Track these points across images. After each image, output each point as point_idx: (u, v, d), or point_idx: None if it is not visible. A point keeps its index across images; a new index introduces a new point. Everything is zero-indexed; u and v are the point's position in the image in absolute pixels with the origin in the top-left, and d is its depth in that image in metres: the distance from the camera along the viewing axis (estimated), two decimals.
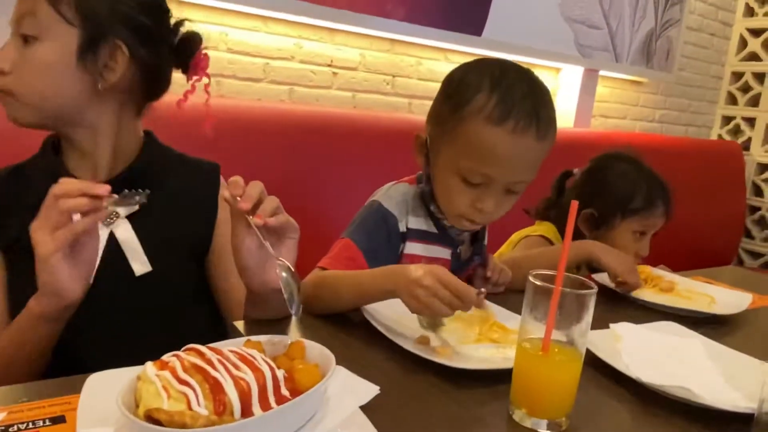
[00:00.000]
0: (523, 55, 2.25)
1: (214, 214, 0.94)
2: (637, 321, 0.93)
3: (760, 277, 1.52)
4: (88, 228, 0.69)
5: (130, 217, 0.85)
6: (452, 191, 0.94)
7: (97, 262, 0.74)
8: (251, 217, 0.71)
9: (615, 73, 2.61)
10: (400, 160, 1.36)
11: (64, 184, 0.68)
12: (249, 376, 0.51)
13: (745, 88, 3.13)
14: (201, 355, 0.52)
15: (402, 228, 0.99)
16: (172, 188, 0.89)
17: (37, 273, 0.69)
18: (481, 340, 0.83)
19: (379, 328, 0.80)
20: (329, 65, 1.92)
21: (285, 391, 0.53)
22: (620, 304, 1.12)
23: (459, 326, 0.87)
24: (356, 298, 0.85)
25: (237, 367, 0.51)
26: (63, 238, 0.67)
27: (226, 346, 0.58)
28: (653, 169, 1.45)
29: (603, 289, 1.15)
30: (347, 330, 0.85)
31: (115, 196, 0.71)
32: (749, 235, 3.12)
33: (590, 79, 2.48)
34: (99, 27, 0.79)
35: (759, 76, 3.06)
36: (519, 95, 0.88)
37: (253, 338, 0.61)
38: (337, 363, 0.60)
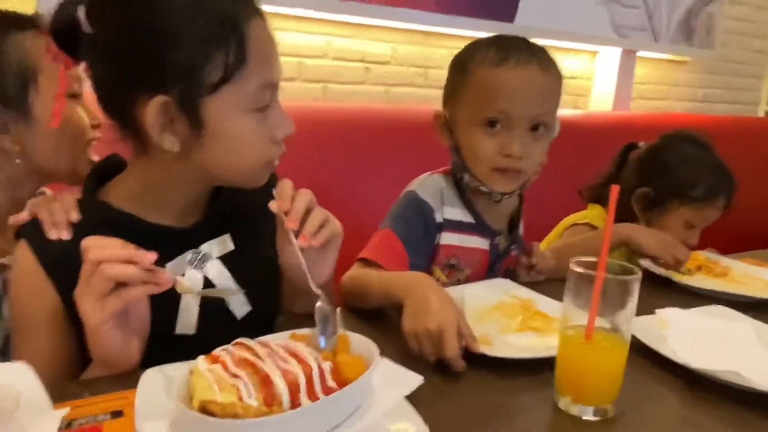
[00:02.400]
0: (558, 39, 2.21)
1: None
2: (688, 307, 0.92)
3: None
4: (141, 296, 0.63)
5: (222, 257, 0.79)
6: (478, 143, 0.94)
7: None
8: (296, 239, 0.70)
9: (654, 53, 2.54)
10: (436, 152, 1.36)
11: (103, 249, 0.61)
12: (296, 368, 0.52)
13: None
14: (249, 349, 0.54)
15: (438, 218, 1.00)
16: (252, 216, 0.81)
17: (88, 344, 0.64)
18: (522, 329, 0.83)
19: None
20: (361, 61, 1.93)
21: (331, 383, 0.55)
22: (671, 291, 1.09)
23: (500, 315, 0.87)
24: (383, 300, 0.87)
25: (284, 360, 0.53)
26: (113, 307, 0.61)
27: (272, 339, 0.60)
28: (722, 158, 1.37)
29: (653, 276, 1.14)
30: (388, 322, 0.86)
31: (180, 277, 0.65)
32: None
33: (628, 60, 2.42)
34: None
35: None
36: (515, 42, 0.96)
37: (299, 332, 0.63)
38: (381, 354, 0.61)
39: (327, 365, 0.56)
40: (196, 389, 0.51)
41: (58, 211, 0.73)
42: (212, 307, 0.76)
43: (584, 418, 0.62)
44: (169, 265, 0.74)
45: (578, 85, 2.47)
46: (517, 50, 0.94)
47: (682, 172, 1.32)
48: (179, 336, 0.74)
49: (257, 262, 0.80)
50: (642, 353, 0.77)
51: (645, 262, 1.16)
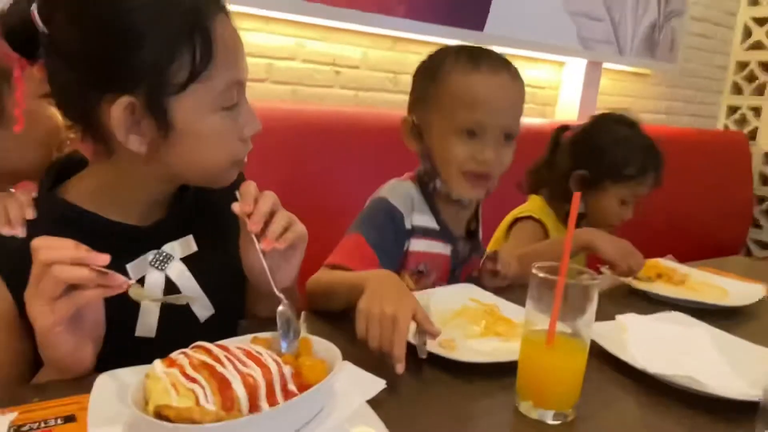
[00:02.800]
0: (526, 49, 2.24)
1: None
2: (647, 313, 0.93)
3: (763, 265, 1.51)
4: (93, 300, 0.60)
5: (185, 258, 0.77)
6: (452, 149, 0.96)
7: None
8: (259, 243, 0.69)
9: (619, 65, 2.60)
10: (404, 157, 1.37)
11: (54, 249, 0.58)
12: (256, 372, 0.51)
13: (751, 78, 3.11)
14: (208, 352, 0.53)
15: (408, 225, 1.01)
16: (216, 217, 0.79)
17: (39, 347, 0.62)
18: (486, 333, 0.83)
19: None
20: (332, 64, 1.92)
21: (292, 387, 0.54)
22: (631, 298, 1.12)
23: (464, 321, 0.88)
24: (347, 295, 0.84)
25: (244, 364, 0.52)
26: (64, 310, 0.58)
27: (233, 343, 0.59)
28: (649, 135, 1.44)
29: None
30: (353, 326, 0.85)
31: (133, 281, 0.62)
32: (757, 225, 3.10)
33: (593, 71, 2.47)
34: None
35: (764, 65, 3.04)
36: (483, 51, 0.98)
37: (260, 335, 0.62)
38: (343, 358, 0.60)
39: (288, 369, 0.55)
40: (151, 393, 0.49)
41: (13, 208, 0.70)
42: (173, 310, 0.74)
43: (545, 421, 0.62)
44: (129, 265, 0.72)
45: (545, 95, 2.51)
46: (487, 59, 0.96)
47: (614, 152, 1.37)
48: (139, 339, 0.72)
49: (221, 265, 0.79)
50: (602, 358, 0.79)
51: (605, 270, 1.18)
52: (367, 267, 0.93)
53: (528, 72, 2.41)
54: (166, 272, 0.74)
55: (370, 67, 2.01)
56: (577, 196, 0.66)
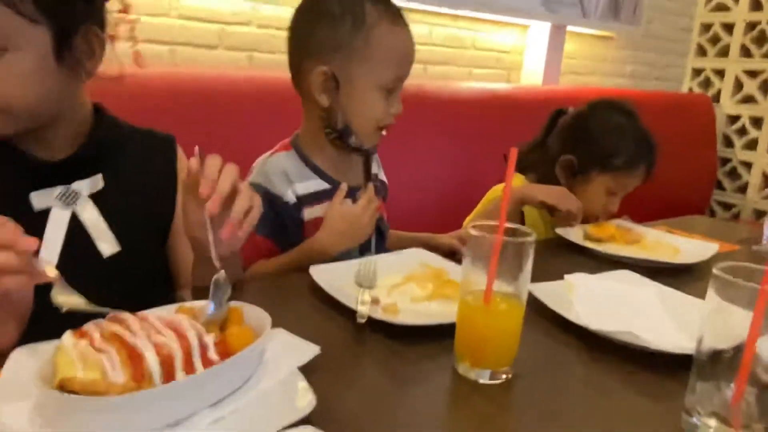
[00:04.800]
0: (489, 12, 2.21)
1: (173, 188, 0.89)
2: (599, 273, 0.93)
3: (727, 225, 1.53)
4: (14, 288, 0.57)
5: (92, 197, 0.78)
6: (375, 105, 0.96)
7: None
8: (210, 221, 0.66)
9: (583, 29, 2.58)
10: None
11: None
12: (172, 342, 0.49)
13: (714, 40, 3.12)
14: (122, 322, 0.51)
15: (290, 198, 0.98)
16: (129, 164, 0.83)
17: None
18: (433, 297, 0.82)
19: (325, 288, 0.79)
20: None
21: (214, 356, 0.52)
22: (583, 258, 1.11)
23: (413, 285, 0.86)
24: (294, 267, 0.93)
25: (160, 333, 0.50)
26: None
27: (155, 312, 0.56)
28: (646, 127, 1.38)
29: (569, 244, 1.16)
30: (296, 294, 0.83)
31: (56, 273, 0.58)
32: (721, 186, 3.15)
33: (558, 35, 2.45)
34: (68, 17, 0.71)
35: (727, 27, 3.04)
36: None
37: (187, 304, 0.60)
38: (283, 326, 0.58)
39: (211, 338, 0.53)
40: (58, 366, 0.47)
41: None
42: (78, 245, 0.75)
43: (481, 381, 0.61)
44: (33, 194, 0.72)
45: (511, 60, 2.48)
46: (396, 7, 0.96)
47: (604, 141, 1.32)
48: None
49: (131, 205, 0.80)
50: (547, 317, 0.78)
51: (560, 230, 1.18)
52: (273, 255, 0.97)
53: (492, 36, 2.38)
54: (73, 209, 0.76)
55: None
56: (513, 152, 0.64)
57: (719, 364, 0.54)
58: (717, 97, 3.10)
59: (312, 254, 0.95)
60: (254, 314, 0.60)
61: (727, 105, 3.07)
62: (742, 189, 3.06)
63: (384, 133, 1.01)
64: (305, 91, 0.98)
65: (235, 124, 1.53)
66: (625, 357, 0.69)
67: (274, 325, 0.58)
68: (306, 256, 0.94)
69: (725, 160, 3.13)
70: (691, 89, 3.23)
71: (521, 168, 1.42)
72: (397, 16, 0.95)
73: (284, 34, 1.91)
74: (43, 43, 0.70)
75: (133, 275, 0.79)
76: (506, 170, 0.64)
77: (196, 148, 0.69)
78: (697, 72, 3.21)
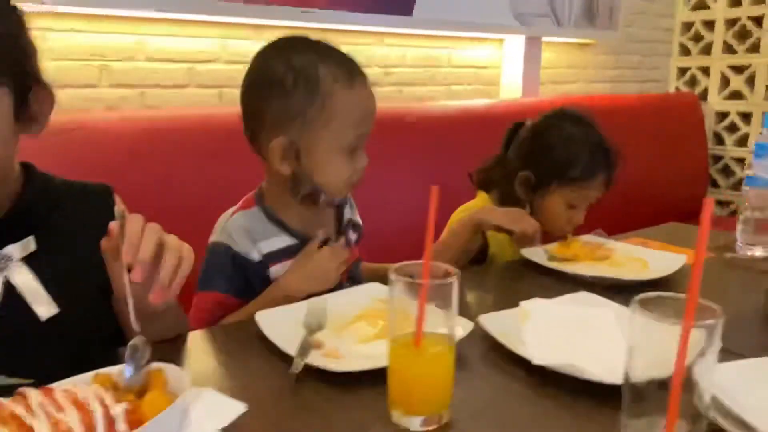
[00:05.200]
0: (459, 30, 2.21)
1: None
2: (564, 294, 0.92)
3: (694, 230, 1.48)
4: None
5: (25, 260, 0.76)
6: (340, 168, 0.95)
7: None
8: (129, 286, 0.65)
9: (559, 38, 2.58)
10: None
11: None
12: (72, 418, 0.48)
13: (697, 38, 3.10)
14: (24, 400, 0.50)
15: (255, 257, 0.96)
16: (64, 221, 0.80)
17: None
18: (381, 335, 0.80)
19: (268, 335, 0.77)
20: None
21: (122, 426, 0.50)
22: (550, 280, 1.09)
23: (364, 324, 0.85)
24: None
25: (61, 409, 0.48)
26: None
27: (69, 383, 0.55)
28: (603, 133, 1.34)
29: (535, 265, 1.14)
30: (244, 342, 0.82)
31: None
32: (715, 184, 3.11)
33: (533, 46, 2.44)
34: (24, 76, 0.71)
35: (708, 24, 3.03)
36: (337, 55, 0.95)
37: (104, 370, 0.59)
38: (225, 377, 0.57)
39: (120, 408, 0.51)
40: None
41: None
42: (13, 311, 0.72)
43: (412, 430, 0.59)
44: None
45: (488, 75, 2.48)
46: (349, 65, 0.94)
47: (559, 153, 1.28)
48: None
49: (67, 264, 0.78)
50: (497, 349, 0.76)
51: (525, 251, 1.16)
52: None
53: (467, 53, 2.38)
54: (6, 274, 0.73)
55: None
56: (435, 190, 0.63)
57: (645, 400, 0.52)
58: (704, 95, 3.08)
59: (277, 297, 0.93)
60: (175, 376, 0.58)
61: (715, 102, 3.05)
62: (737, 186, 3.02)
63: (351, 189, 1.01)
64: (265, 158, 0.96)
65: (210, 161, 1.53)
66: (570, 387, 0.67)
67: (215, 378, 0.58)
68: (271, 300, 0.93)
69: (717, 158, 3.09)
70: (677, 89, 3.21)
71: (485, 185, 1.40)
72: (353, 74, 0.93)
73: None
74: (7, 104, 0.70)
75: (75, 335, 0.77)
76: (429, 207, 0.63)
77: (119, 207, 0.68)
78: (682, 71, 3.19)
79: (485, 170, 1.41)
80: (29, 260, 0.76)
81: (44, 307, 0.75)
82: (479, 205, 1.36)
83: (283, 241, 0.98)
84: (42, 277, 0.76)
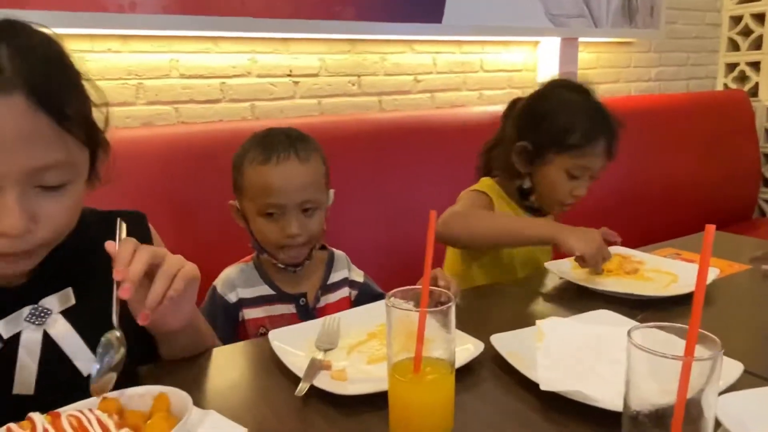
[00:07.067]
0: (490, 35, 2.19)
1: None
2: (588, 311, 0.91)
3: (733, 239, 1.41)
4: None
5: (66, 312, 0.74)
6: (264, 229, 1.08)
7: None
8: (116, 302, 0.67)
9: (596, 38, 2.51)
10: (380, 158, 1.32)
11: None
12: None
13: (746, 32, 2.96)
14: (32, 426, 0.52)
15: (231, 299, 1.12)
16: (99, 261, 0.71)
17: None
18: None
19: (279, 354, 0.78)
20: (288, 75, 1.90)
21: None
22: (570, 295, 1.07)
23: (377, 342, 0.85)
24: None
25: None
26: None
27: (77, 407, 0.57)
28: (603, 103, 1.28)
29: (557, 280, 1.11)
30: (256, 360, 0.83)
31: None
32: (767, 183, 2.97)
33: (569, 48, 2.38)
34: (96, 135, 0.71)
35: (758, 17, 2.89)
36: (277, 140, 1.09)
37: (112, 394, 0.61)
38: (233, 396, 0.58)
39: None
40: None
41: None
42: (54, 365, 0.72)
43: None
44: (1, 322, 0.70)
45: (523, 78, 2.44)
46: (277, 148, 1.07)
47: (557, 119, 1.23)
48: (18, 396, 0.71)
49: (104, 315, 0.74)
50: (508, 370, 0.75)
51: (554, 266, 1.14)
52: None
53: (501, 56, 2.35)
54: (45, 327, 0.73)
55: (330, 72, 1.98)
56: (432, 214, 0.62)
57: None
58: (755, 91, 2.94)
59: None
60: (178, 399, 0.60)
61: (767, 98, 2.90)
62: None
63: (288, 250, 1.10)
64: None
65: None
66: (578, 412, 0.65)
67: (223, 398, 0.58)
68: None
69: None
70: (726, 85, 3.08)
71: (487, 170, 1.37)
72: (269, 156, 1.07)
73: (283, 81, 1.95)
74: (86, 168, 0.70)
75: (118, 385, 0.69)
76: (428, 232, 0.62)
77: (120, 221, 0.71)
78: (731, 67, 3.06)
79: (486, 152, 1.38)
80: (69, 312, 0.75)
81: (86, 361, 0.74)
82: (482, 185, 1.33)
83: (263, 290, 1.13)
84: (80, 327, 0.75)
